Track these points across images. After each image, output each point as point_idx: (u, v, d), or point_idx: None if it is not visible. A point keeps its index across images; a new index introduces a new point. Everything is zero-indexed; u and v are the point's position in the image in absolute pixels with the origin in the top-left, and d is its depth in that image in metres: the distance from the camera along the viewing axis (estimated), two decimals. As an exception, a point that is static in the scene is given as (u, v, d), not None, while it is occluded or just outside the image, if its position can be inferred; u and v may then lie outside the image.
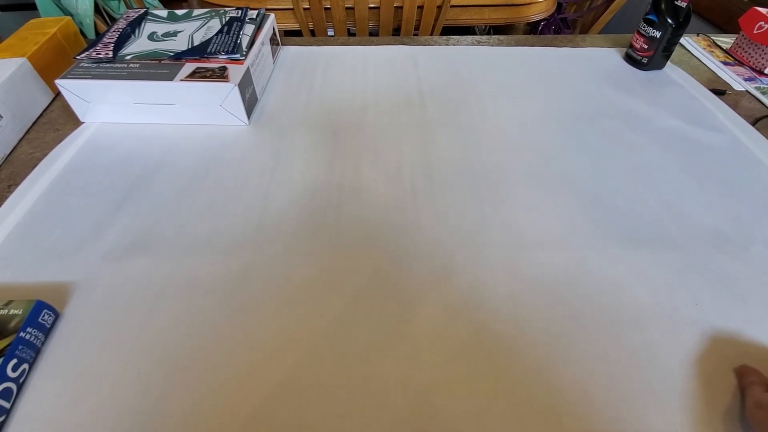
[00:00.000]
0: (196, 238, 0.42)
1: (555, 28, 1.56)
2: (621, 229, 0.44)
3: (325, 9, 1.06)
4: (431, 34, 1.15)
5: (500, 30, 1.53)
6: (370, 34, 1.13)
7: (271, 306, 0.37)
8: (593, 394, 0.32)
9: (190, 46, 0.58)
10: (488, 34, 1.63)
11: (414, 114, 0.58)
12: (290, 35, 1.04)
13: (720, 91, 0.65)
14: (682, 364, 0.34)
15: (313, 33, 1.12)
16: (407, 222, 0.44)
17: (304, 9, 1.07)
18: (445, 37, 0.78)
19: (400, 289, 0.38)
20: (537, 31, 1.60)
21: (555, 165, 0.51)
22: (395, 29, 1.13)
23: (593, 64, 0.71)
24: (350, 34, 1.14)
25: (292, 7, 1.07)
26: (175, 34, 0.60)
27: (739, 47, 0.75)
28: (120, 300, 0.37)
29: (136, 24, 0.62)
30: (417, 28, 1.13)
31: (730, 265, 0.41)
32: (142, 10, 0.65)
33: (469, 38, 0.79)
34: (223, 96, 0.52)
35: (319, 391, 0.32)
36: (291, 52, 0.71)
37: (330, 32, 1.13)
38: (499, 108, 0.60)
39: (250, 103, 0.56)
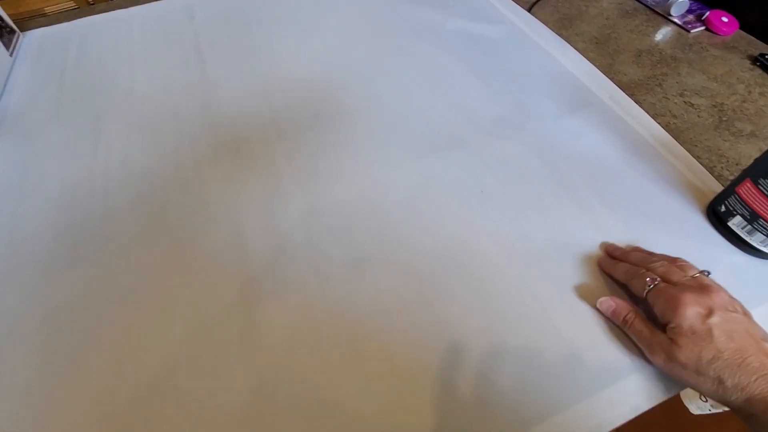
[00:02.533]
0: None
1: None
2: (415, 142, 0.44)
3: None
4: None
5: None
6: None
7: (27, 343, 0.31)
8: (393, 312, 0.32)
9: None
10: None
11: (192, 74, 0.51)
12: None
13: (499, -17, 0.67)
14: (471, 255, 0.36)
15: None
16: (192, 197, 0.39)
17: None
18: (229, -18, 0.70)
19: (193, 269, 0.35)
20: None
21: (350, 95, 0.49)
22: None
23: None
24: None
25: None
26: None
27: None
28: None
29: None
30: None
31: (510, 146, 0.44)
32: None
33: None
34: None
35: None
36: (36, 36, 0.58)
37: None
38: (289, 47, 0.55)
39: (-27, 111, 0.45)
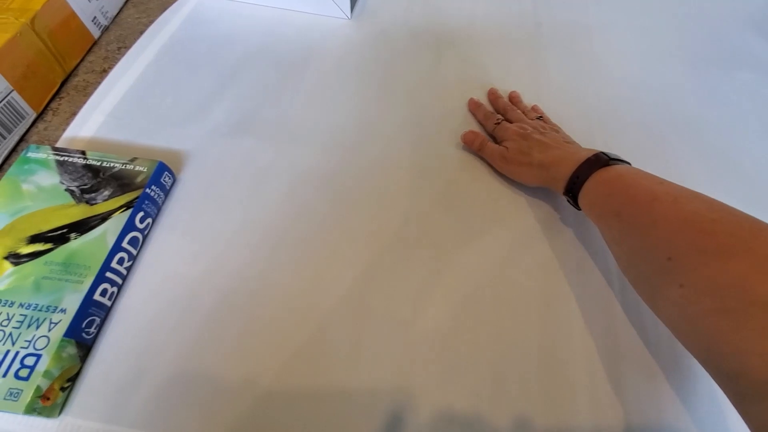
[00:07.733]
0: (297, 128, 0.42)
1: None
2: (745, 195, 0.40)
3: None
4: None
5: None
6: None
7: (363, 206, 0.37)
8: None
9: None
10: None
11: (525, 30, 0.53)
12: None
13: None
14: None
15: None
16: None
17: None
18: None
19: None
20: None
21: (675, 112, 0.46)
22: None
23: (739, 1, 0.61)
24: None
25: None
26: None
27: None
28: (229, 174, 0.38)
29: None
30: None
31: None
32: None
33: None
34: (330, -19, 0.49)
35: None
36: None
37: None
38: (621, 38, 0.53)
39: (354, -5, 0.52)
